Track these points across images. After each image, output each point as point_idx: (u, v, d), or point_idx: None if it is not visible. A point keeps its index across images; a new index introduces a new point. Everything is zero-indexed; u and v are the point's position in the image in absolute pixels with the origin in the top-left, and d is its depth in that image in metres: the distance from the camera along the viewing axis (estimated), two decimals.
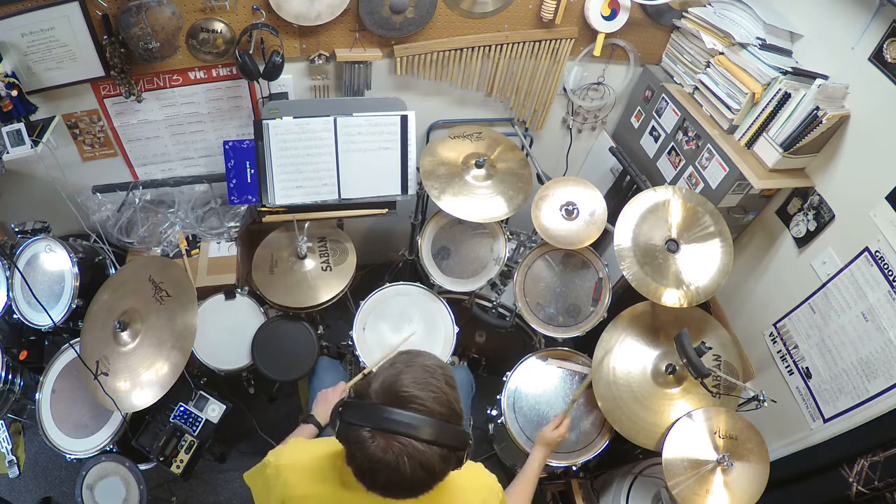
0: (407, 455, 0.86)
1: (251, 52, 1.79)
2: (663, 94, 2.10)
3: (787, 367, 1.79)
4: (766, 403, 1.55)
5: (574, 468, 1.76)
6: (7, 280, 1.78)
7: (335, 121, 1.89)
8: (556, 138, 2.49)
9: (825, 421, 1.63)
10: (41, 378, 1.77)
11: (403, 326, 1.93)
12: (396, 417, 0.87)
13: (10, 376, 1.81)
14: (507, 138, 2.12)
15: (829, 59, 1.66)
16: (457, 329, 1.93)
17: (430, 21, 1.90)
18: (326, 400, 1.60)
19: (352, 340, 1.89)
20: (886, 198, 1.47)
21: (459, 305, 2.05)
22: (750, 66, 1.74)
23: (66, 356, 1.79)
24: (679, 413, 1.63)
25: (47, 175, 1.86)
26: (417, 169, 2.02)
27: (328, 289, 1.97)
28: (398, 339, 1.88)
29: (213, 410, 1.83)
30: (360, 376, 1.78)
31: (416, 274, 2.27)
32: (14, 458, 2.20)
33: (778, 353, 1.83)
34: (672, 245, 1.72)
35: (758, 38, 1.77)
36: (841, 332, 1.60)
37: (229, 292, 2.00)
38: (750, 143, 1.79)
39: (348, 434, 0.91)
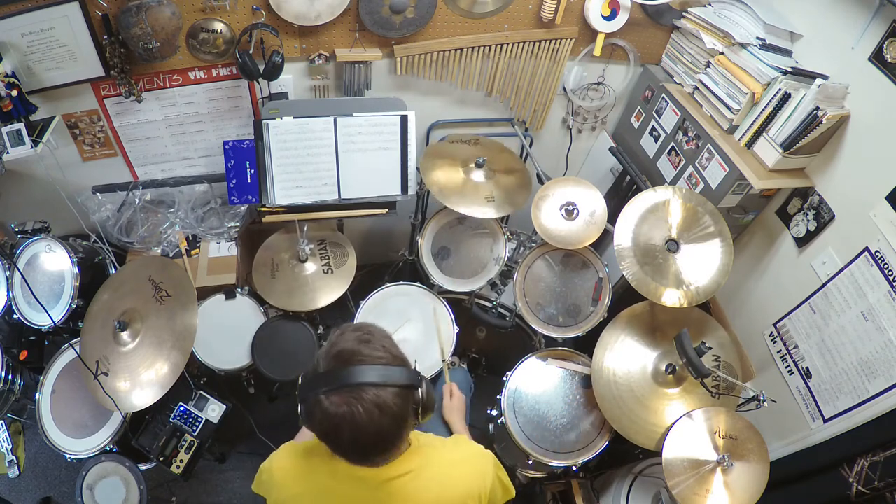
0: (361, 402, 0.90)
1: (251, 52, 1.79)
2: (663, 94, 2.10)
3: (787, 367, 1.79)
4: (766, 403, 1.55)
5: (574, 468, 1.76)
6: (7, 280, 1.78)
7: (335, 121, 1.89)
8: (556, 138, 2.49)
9: (825, 421, 1.63)
10: (41, 378, 1.77)
11: (403, 326, 1.93)
12: (341, 374, 0.92)
13: (10, 376, 1.80)
14: (504, 145, 2.12)
15: (829, 59, 1.66)
16: (457, 329, 1.93)
17: (429, 21, 1.90)
18: None
19: None
20: (886, 198, 1.47)
21: (459, 305, 2.05)
22: (750, 66, 1.74)
23: (66, 356, 1.79)
24: (679, 413, 1.63)
25: (47, 175, 1.86)
26: (417, 169, 2.02)
27: (330, 291, 1.97)
28: (397, 337, 1.88)
29: (213, 410, 1.83)
30: None
31: (416, 274, 2.27)
32: (14, 458, 2.19)
33: (778, 353, 1.83)
34: (672, 245, 1.72)
35: (758, 38, 1.77)
36: (841, 332, 1.60)
37: (229, 292, 2.00)
38: (750, 143, 1.79)
39: (308, 407, 0.94)
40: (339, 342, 0.97)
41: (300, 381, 1.00)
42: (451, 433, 1.59)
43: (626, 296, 1.87)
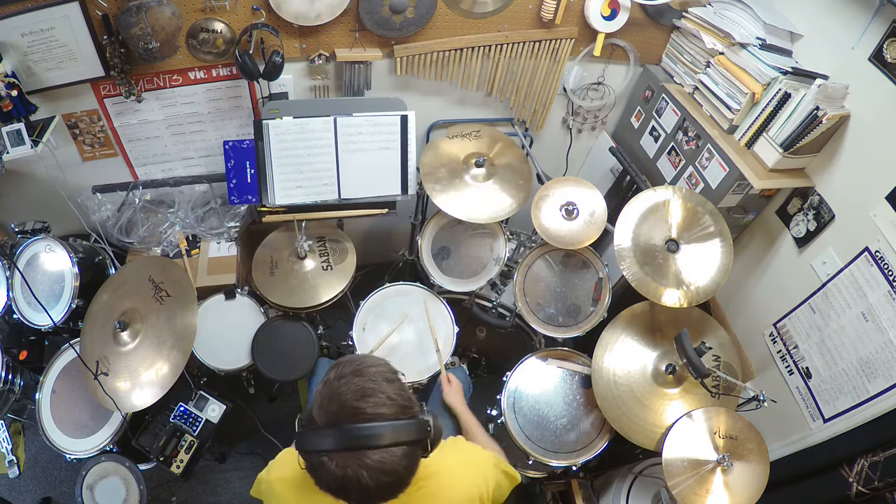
0: (365, 468, 0.86)
1: (251, 52, 1.79)
2: (663, 94, 2.10)
3: (787, 367, 1.79)
4: (766, 403, 1.55)
5: (574, 468, 1.76)
6: (7, 280, 1.77)
7: (335, 121, 1.89)
8: (556, 138, 2.49)
9: (825, 421, 1.63)
10: (41, 378, 1.77)
11: (403, 326, 1.93)
12: (344, 435, 0.87)
13: (10, 376, 1.80)
14: (506, 135, 2.12)
15: (829, 59, 1.66)
16: (457, 329, 1.93)
17: (430, 21, 1.90)
18: None
19: (352, 340, 1.89)
20: (886, 198, 1.47)
21: (459, 305, 2.05)
22: (750, 66, 1.74)
23: (66, 356, 1.79)
24: (679, 413, 1.63)
25: (47, 175, 1.86)
26: (417, 169, 2.02)
27: (329, 288, 1.97)
28: (395, 338, 1.88)
29: (213, 410, 1.83)
30: None
31: (416, 274, 2.27)
32: (14, 458, 2.20)
33: (778, 353, 1.83)
34: (672, 245, 1.72)
35: (758, 38, 1.77)
36: (841, 332, 1.60)
37: (229, 292, 2.00)
38: (750, 143, 1.79)
39: (310, 461, 0.91)
40: (338, 391, 0.90)
41: (297, 428, 0.94)
42: (453, 416, 1.62)
43: (626, 296, 1.87)
